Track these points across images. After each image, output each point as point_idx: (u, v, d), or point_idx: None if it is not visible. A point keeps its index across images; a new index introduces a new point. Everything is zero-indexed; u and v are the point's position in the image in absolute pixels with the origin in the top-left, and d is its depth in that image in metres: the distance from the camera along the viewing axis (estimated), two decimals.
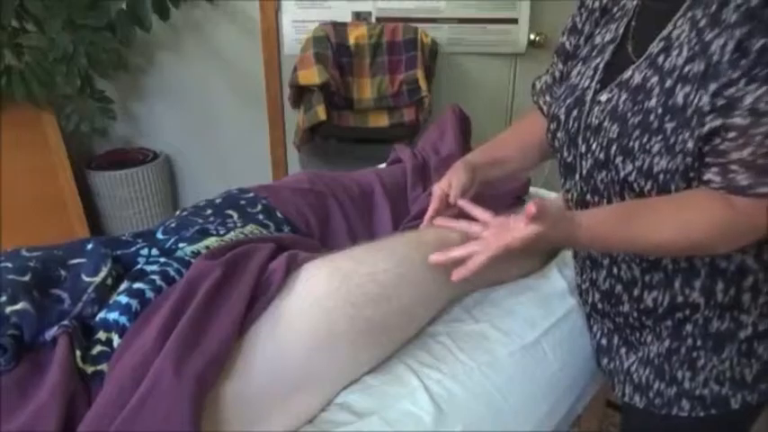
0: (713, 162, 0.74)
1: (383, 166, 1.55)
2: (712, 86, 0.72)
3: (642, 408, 0.93)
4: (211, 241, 1.00)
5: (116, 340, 0.81)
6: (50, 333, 0.80)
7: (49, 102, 2.09)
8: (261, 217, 1.15)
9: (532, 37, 2.11)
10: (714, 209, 0.75)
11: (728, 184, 0.73)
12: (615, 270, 0.92)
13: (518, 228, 0.81)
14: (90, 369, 0.78)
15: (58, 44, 2.01)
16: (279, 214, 1.17)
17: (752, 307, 0.84)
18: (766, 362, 0.86)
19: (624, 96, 0.82)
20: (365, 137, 2.16)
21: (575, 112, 0.89)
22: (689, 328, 0.87)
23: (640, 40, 0.83)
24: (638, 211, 0.81)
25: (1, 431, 0.69)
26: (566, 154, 0.93)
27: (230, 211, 1.14)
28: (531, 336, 1.05)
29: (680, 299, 0.86)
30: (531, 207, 0.78)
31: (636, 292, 0.90)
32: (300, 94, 2.06)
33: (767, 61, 0.67)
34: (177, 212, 1.17)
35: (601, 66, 0.87)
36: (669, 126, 0.76)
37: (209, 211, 1.13)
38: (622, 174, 0.82)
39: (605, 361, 1.01)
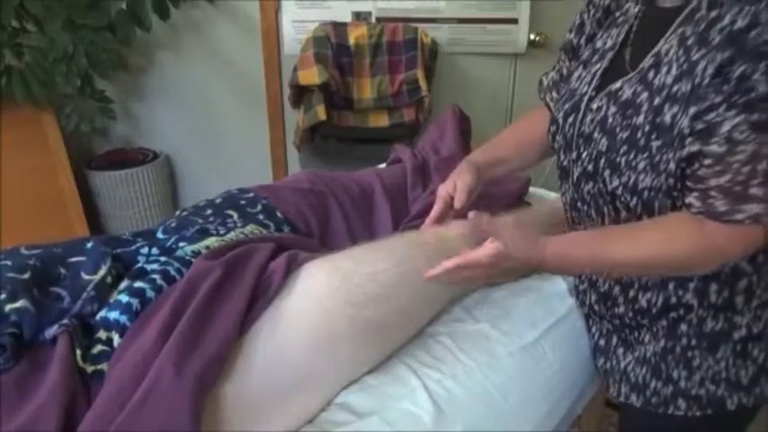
0: (693, 187, 0.75)
1: (383, 166, 1.55)
2: (692, 110, 0.72)
3: (639, 407, 0.93)
4: (211, 241, 1.00)
5: (116, 339, 0.81)
6: (50, 332, 0.80)
7: (49, 102, 2.09)
8: (261, 217, 1.15)
9: (532, 37, 2.11)
10: (688, 233, 0.76)
11: (707, 209, 0.74)
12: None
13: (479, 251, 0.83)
14: (90, 368, 0.78)
15: (58, 44, 2.01)
16: (279, 214, 1.17)
17: (745, 309, 0.84)
18: (762, 365, 0.86)
19: (614, 109, 0.82)
20: (365, 137, 2.16)
21: (571, 118, 0.90)
22: (684, 327, 0.88)
23: (636, 50, 0.83)
24: (611, 233, 0.84)
25: (1, 431, 0.69)
26: (562, 157, 0.94)
27: (230, 211, 1.14)
28: (531, 336, 1.05)
29: (673, 300, 0.87)
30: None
31: (631, 294, 0.91)
32: (300, 94, 2.06)
33: (746, 89, 0.67)
34: (177, 212, 1.17)
35: (599, 73, 0.88)
36: (655, 144, 0.76)
37: (209, 211, 1.13)
38: (610, 187, 0.83)
39: (602, 361, 1.02)
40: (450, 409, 0.90)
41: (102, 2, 2.10)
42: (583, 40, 0.96)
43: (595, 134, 0.84)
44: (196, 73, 2.40)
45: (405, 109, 2.10)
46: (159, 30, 2.26)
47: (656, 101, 0.77)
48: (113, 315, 0.83)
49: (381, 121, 2.13)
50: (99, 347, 0.80)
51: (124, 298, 0.85)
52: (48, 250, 0.92)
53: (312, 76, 1.97)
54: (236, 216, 1.13)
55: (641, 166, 0.78)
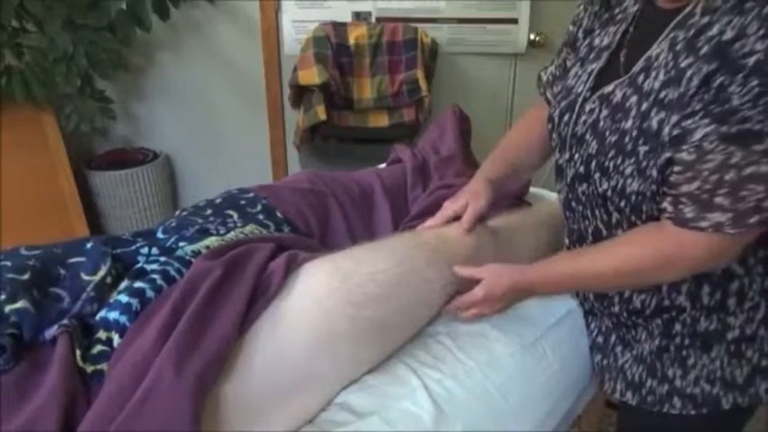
0: (667, 192, 0.76)
1: (383, 166, 1.55)
2: (674, 118, 0.72)
3: (635, 405, 0.94)
4: (211, 241, 1.00)
5: (116, 339, 0.81)
6: (50, 332, 0.79)
7: (49, 102, 2.09)
8: (261, 217, 1.15)
9: (532, 37, 2.11)
10: (659, 240, 0.78)
11: (677, 215, 0.75)
12: None
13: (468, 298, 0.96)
14: (90, 368, 0.78)
15: (58, 44, 2.01)
16: (279, 214, 1.17)
17: (738, 311, 0.85)
18: (756, 365, 0.86)
19: (605, 112, 0.83)
20: (365, 137, 2.16)
21: (566, 117, 0.90)
22: (678, 327, 0.88)
23: (631, 53, 0.83)
24: (586, 249, 0.91)
25: (1, 431, 0.69)
26: (558, 155, 0.94)
27: (230, 211, 1.14)
28: (532, 336, 1.05)
29: (666, 302, 0.88)
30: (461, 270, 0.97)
31: (626, 294, 0.92)
32: (300, 94, 2.06)
33: (723, 99, 0.67)
34: (177, 212, 1.17)
35: (594, 72, 0.87)
36: (642, 150, 0.77)
37: (209, 211, 1.13)
38: (600, 190, 0.84)
39: (599, 357, 1.02)
40: (450, 408, 0.89)
41: (102, 2, 2.09)
42: (581, 33, 0.96)
43: (587, 136, 0.85)
44: (196, 73, 2.40)
45: (405, 109, 2.10)
46: (159, 30, 2.26)
47: (644, 106, 0.77)
48: (113, 315, 0.83)
49: (381, 121, 2.13)
50: (99, 347, 0.80)
51: (124, 298, 0.85)
52: (47, 251, 0.91)
53: (312, 76, 1.97)
54: (236, 216, 1.13)
55: (629, 170, 0.79)
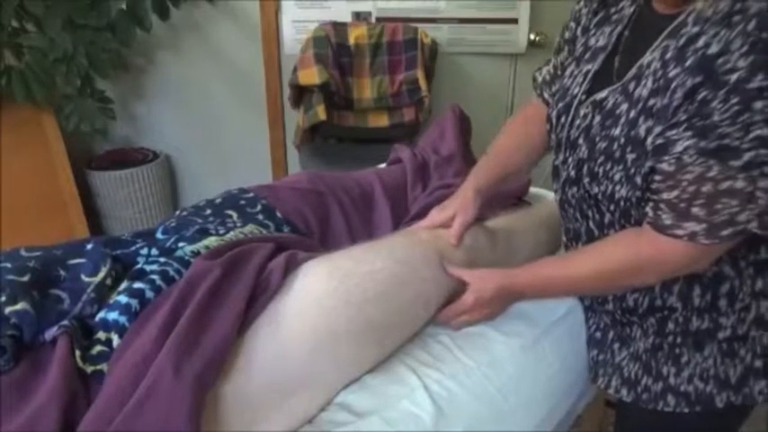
0: (650, 197, 0.77)
1: (383, 166, 1.55)
2: (658, 128, 0.73)
3: (629, 402, 0.94)
4: (211, 241, 1.00)
5: (116, 340, 0.81)
6: (50, 333, 0.79)
7: (49, 102, 2.09)
8: (260, 217, 1.15)
9: (532, 37, 2.11)
10: (634, 246, 0.79)
11: (656, 221, 0.76)
12: None
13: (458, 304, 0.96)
14: (90, 369, 0.78)
15: (58, 44, 2.02)
16: (278, 214, 1.17)
17: (729, 311, 0.85)
18: (749, 365, 0.87)
19: (598, 118, 0.83)
20: (365, 137, 2.16)
21: (563, 119, 0.90)
22: (671, 325, 0.89)
23: (625, 59, 0.83)
24: (571, 254, 0.92)
25: (1, 431, 0.69)
26: (554, 156, 0.94)
27: (230, 211, 1.14)
28: (532, 335, 1.05)
29: (658, 302, 0.88)
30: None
31: (619, 293, 0.92)
32: (300, 94, 2.06)
33: (705, 114, 0.68)
34: (177, 212, 1.17)
35: (590, 74, 0.87)
36: (630, 157, 0.77)
37: (208, 211, 1.13)
38: (592, 193, 0.85)
39: (595, 352, 1.03)
40: (450, 409, 0.90)
41: (102, 2, 2.10)
42: (579, 31, 0.96)
43: (580, 140, 0.86)
44: (196, 73, 2.40)
45: (405, 109, 2.10)
46: (159, 30, 2.26)
47: (633, 113, 0.78)
48: (113, 316, 0.83)
49: (381, 121, 2.13)
50: (98, 348, 0.80)
51: (123, 299, 0.85)
52: (47, 252, 0.91)
53: (312, 76, 1.97)
54: (235, 216, 1.13)
55: (617, 177, 0.80)
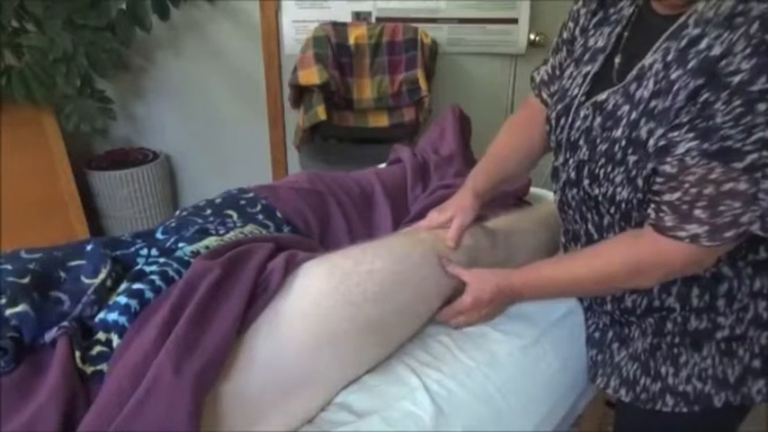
0: (652, 198, 0.77)
1: (383, 166, 1.55)
2: (660, 130, 0.73)
3: (628, 401, 0.95)
4: (211, 241, 1.00)
5: (116, 340, 0.81)
6: (50, 334, 0.80)
7: (49, 102, 2.09)
8: (260, 217, 1.15)
9: (532, 37, 2.11)
10: (635, 248, 0.79)
11: (657, 222, 0.76)
12: None
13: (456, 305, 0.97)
14: (90, 369, 0.78)
15: (58, 44, 2.01)
16: (278, 214, 1.17)
17: (727, 311, 0.85)
18: (747, 365, 0.87)
19: (599, 120, 0.83)
20: (365, 137, 2.16)
21: (562, 120, 0.90)
22: (669, 325, 0.89)
23: (626, 60, 0.83)
24: (570, 255, 0.92)
25: (2, 431, 0.69)
26: (554, 158, 0.94)
27: (230, 211, 1.14)
28: (532, 335, 1.05)
29: (657, 303, 0.88)
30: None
31: (618, 293, 0.93)
32: (300, 94, 2.06)
33: (707, 116, 0.68)
34: (177, 212, 1.17)
35: (590, 75, 0.87)
36: (631, 159, 0.78)
37: (208, 211, 1.13)
38: (592, 195, 0.85)
39: (594, 352, 1.03)
40: (450, 408, 0.90)
41: (102, 2, 2.09)
42: (578, 31, 0.96)
43: (580, 142, 0.86)
44: (196, 73, 2.40)
45: (405, 109, 2.10)
46: (159, 30, 2.26)
47: (634, 115, 0.78)
48: (112, 316, 0.83)
49: (381, 121, 2.13)
50: (98, 349, 0.80)
51: (123, 299, 0.85)
52: (48, 254, 0.91)
53: (312, 76, 1.97)
54: (235, 216, 1.13)
55: (618, 179, 0.80)
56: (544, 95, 1.06)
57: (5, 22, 1.92)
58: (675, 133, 0.72)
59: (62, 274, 0.88)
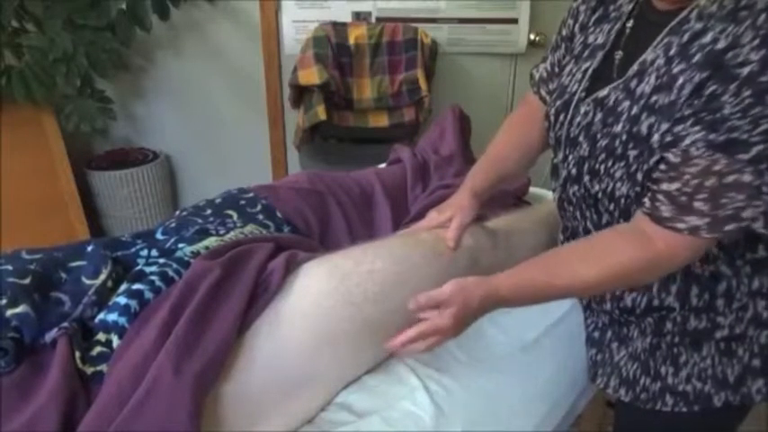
0: (649, 187, 0.76)
1: (383, 166, 1.55)
2: (665, 125, 0.73)
3: (628, 401, 0.94)
4: (211, 241, 1.00)
5: (115, 341, 0.81)
6: (50, 335, 0.80)
7: (49, 102, 2.09)
8: (261, 217, 1.15)
9: (532, 37, 2.11)
10: (633, 240, 0.77)
11: (653, 211, 0.75)
12: None
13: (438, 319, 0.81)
14: (90, 370, 0.78)
15: (58, 44, 2.01)
16: (278, 214, 1.17)
17: (726, 311, 0.85)
18: (747, 364, 0.87)
19: (600, 116, 0.83)
20: (365, 137, 2.16)
21: (561, 117, 0.90)
22: (669, 325, 0.89)
23: (627, 56, 0.83)
24: (560, 255, 0.85)
25: (2, 431, 0.69)
26: (553, 155, 0.94)
27: (230, 211, 1.14)
28: (531, 335, 1.05)
29: (656, 302, 0.88)
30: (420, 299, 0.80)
31: (617, 292, 0.92)
32: (300, 94, 2.06)
33: (714, 108, 0.68)
34: (177, 212, 1.17)
35: (589, 72, 0.87)
36: (632, 154, 0.77)
37: (208, 211, 1.13)
38: (592, 192, 0.85)
39: (593, 351, 1.03)
40: (450, 408, 0.90)
41: (102, 2, 2.09)
42: (577, 28, 0.96)
43: (580, 138, 0.85)
44: (196, 73, 2.40)
45: (405, 109, 2.10)
46: (159, 30, 2.26)
47: (635, 110, 0.77)
48: (112, 317, 0.83)
49: (381, 121, 2.13)
50: (98, 349, 0.80)
51: (122, 300, 0.85)
52: (48, 255, 0.92)
53: (312, 76, 1.97)
54: (235, 216, 1.13)
55: (618, 174, 0.79)
56: (543, 93, 1.06)
57: (5, 22, 1.92)
58: (680, 127, 0.71)
59: (63, 275, 0.88)
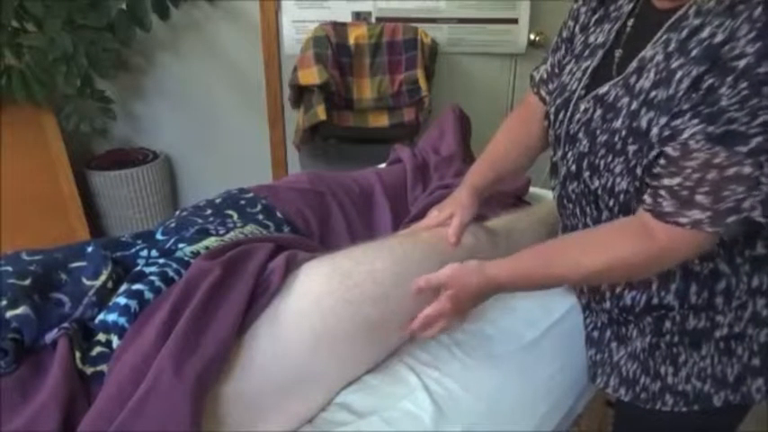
0: (649, 183, 0.76)
1: (383, 166, 1.56)
2: (663, 119, 0.73)
3: (628, 401, 0.94)
4: (211, 241, 1.00)
5: (115, 341, 0.81)
6: (51, 336, 0.80)
7: (49, 102, 2.09)
8: (261, 217, 1.15)
9: (532, 37, 2.11)
10: (634, 234, 0.77)
11: (655, 207, 0.75)
12: None
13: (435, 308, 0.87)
14: (90, 370, 0.78)
15: (58, 44, 2.01)
16: (279, 214, 1.17)
17: (726, 309, 0.85)
18: (747, 363, 0.87)
19: (599, 112, 0.83)
20: (365, 137, 2.16)
21: (561, 115, 0.90)
22: (668, 324, 0.89)
23: (627, 53, 0.83)
24: (560, 244, 0.88)
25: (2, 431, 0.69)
26: (553, 153, 0.94)
27: (230, 211, 1.14)
28: (531, 335, 1.05)
29: (655, 300, 0.88)
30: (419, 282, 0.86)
31: (617, 290, 0.92)
32: (300, 94, 2.06)
33: (712, 101, 0.68)
34: (177, 212, 1.17)
35: (589, 70, 0.88)
36: (631, 149, 0.77)
37: (208, 211, 1.13)
38: (591, 188, 0.85)
39: (592, 351, 1.03)
40: (449, 408, 0.90)
41: (102, 2, 2.09)
42: (577, 29, 0.96)
43: (580, 135, 0.86)
44: (196, 73, 2.40)
45: (405, 109, 2.10)
46: (159, 30, 2.26)
47: (634, 105, 0.78)
48: (112, 317, 0.83)
49: (381, 121, 2.13)
50: (98, 349, 0.81)
51: (122, 300, 0.85)
52: (48, 256, 0.92)
53: (312, 75, 1.97)
54: (235, 216, 1.13)
55: (618, 169, 0.79)
56: (543, 93, 1.06)
57: (5, 22, 1.92)
58: (679, 121, 0.71)
59: (63, 276, 0.88)
